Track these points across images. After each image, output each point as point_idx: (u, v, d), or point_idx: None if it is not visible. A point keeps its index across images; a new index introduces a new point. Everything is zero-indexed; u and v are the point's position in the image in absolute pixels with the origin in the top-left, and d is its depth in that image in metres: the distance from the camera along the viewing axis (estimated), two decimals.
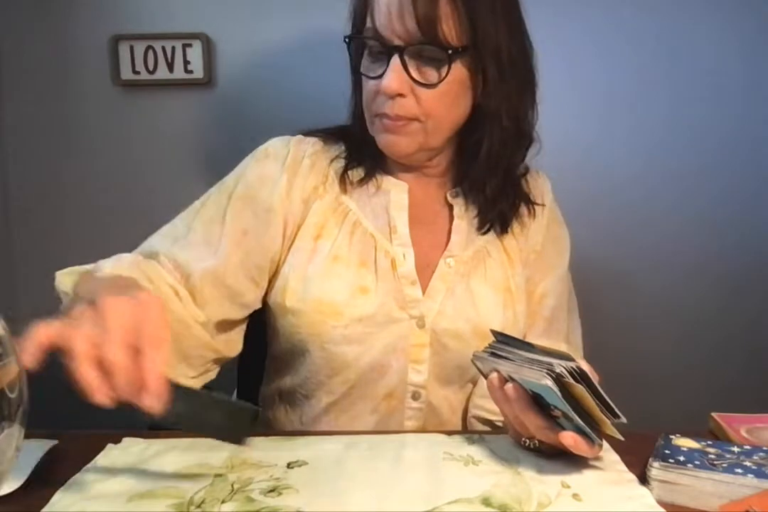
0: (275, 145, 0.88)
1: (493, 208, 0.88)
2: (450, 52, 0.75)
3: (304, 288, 0.82)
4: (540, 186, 0.94)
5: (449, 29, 0.75)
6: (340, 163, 0.87)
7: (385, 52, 0.77)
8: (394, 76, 0.76)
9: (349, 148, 0.88)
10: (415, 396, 0.86)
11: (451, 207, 0.89)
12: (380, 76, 0.78)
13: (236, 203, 0.84)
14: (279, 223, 0.84)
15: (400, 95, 0.77)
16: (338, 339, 0.82)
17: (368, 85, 0.80)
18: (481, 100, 0.81)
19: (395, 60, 0.76)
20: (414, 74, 0.77)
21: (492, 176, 0.86)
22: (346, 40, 0.81)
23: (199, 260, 0.81)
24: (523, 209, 0.91)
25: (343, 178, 0.86)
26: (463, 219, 0.89)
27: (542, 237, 0.93)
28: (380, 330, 0.83)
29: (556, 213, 0.96)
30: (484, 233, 0.89)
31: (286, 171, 0.85)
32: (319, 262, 0.83)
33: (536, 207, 0.92)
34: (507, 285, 0.88)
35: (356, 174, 0.87)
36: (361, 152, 0.87)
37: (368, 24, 0.78)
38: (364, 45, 0.80)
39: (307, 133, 0.90)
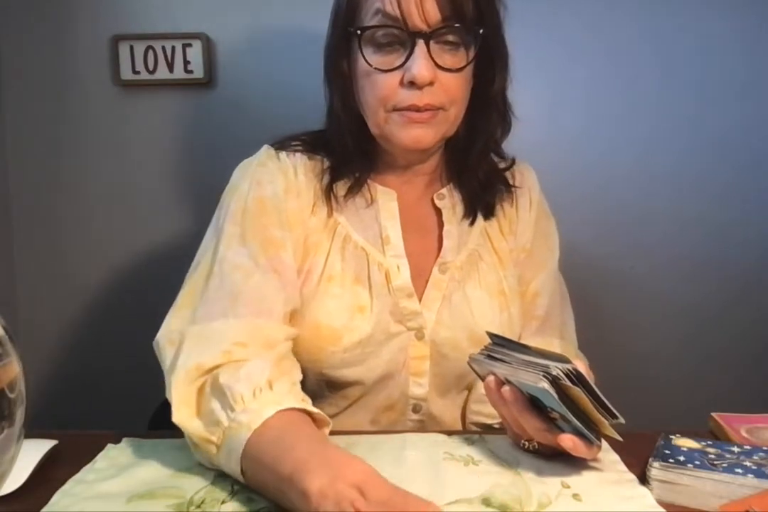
0: (266, 168, 0.82)
1: (482, 197, 0.87)
2: (481, 31, 0.73)
3: (300, 311, 0.79)
4: (527, 179, 0.92)
5: (469, 9, 0.73)
6: (327, 177, 0.83)
7: (405, 39, 0.73)
8: (424, 63, 0.72)
9: (332, 159, 0.83)
10: (416, 409, 0.85)
11: (439, 211, 0.87)
12: (398, 68, 0.74)
13: (262, 245, 0.77)
14: (291, 256, 0.79)
15: (430, 83, 0.73)
16: (337, 364, 0.80)
17: (382, 80, 0.75)
18: (481, 83, 0.79)
19: (421, 47, 0.72)
20: (438, 60, 0.73)
21: (484, 163, 0.85)
22: (359, 31, 0.74)
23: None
24: (506, 196, 0.89)
25: (330, 193, 0.82)
26: (452, 223, 0.86)
27: (531, 234, 0.91)
28: (380, 347, 0.81)
29: (544, 206, 0.94)
30: (472, 223, 0.87)
31: (287, 197, 0.80)
32: (313, 283, 0.80)
33: (523, 201, 0.91)
34: (501, 288, 0.87)
35: (343, 186, 0.83)
36: (347, 161, 0.82)
37: (373, 13, 0.73)
38: (357, 39, 0.75)
39: (282, 145, 0.84)
